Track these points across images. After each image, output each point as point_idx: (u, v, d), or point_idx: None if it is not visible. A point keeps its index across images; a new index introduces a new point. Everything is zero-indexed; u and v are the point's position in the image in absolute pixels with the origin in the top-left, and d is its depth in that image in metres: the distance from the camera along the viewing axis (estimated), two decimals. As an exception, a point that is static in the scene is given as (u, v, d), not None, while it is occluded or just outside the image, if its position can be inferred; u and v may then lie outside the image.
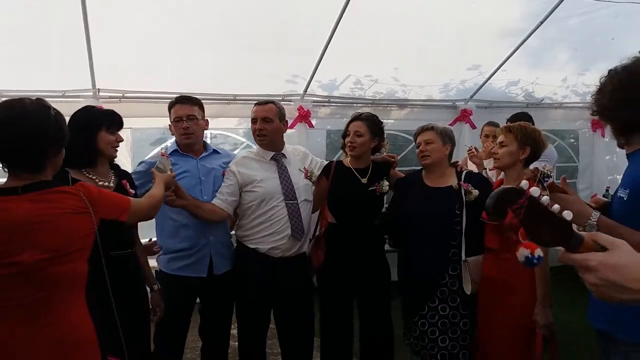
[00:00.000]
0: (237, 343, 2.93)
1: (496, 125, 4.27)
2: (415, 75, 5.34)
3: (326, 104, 5.44)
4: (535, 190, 0.98)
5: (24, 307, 1.64)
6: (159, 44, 4.22)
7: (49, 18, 3.72)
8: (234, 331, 2.94)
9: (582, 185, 6.48)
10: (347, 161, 3.11)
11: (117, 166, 2.52)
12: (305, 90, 5.18)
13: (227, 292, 2.87)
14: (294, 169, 2.90)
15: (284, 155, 2.90)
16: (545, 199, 0.99)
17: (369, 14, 4.34)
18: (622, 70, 1.79)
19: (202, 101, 3.55)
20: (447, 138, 2.92)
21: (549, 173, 1.76)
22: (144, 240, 2.73)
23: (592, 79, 1.94)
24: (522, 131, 2.62)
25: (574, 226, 1.00)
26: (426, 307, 2.79)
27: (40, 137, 1.68)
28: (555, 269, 2.49)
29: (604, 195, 5.38)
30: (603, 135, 6.20)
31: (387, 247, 3.22)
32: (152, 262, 2.76)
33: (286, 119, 2.97)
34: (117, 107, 2.61)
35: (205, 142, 2.98)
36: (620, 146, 1.91)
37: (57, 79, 4.19)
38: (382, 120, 3.17)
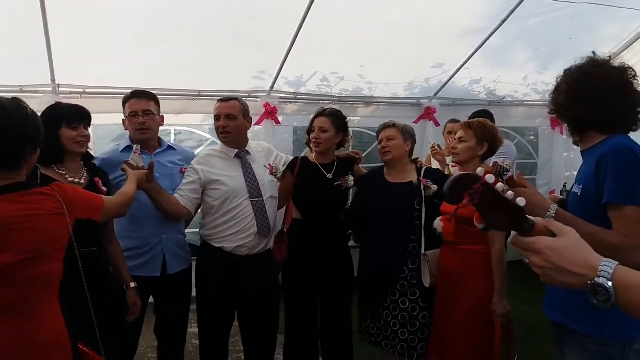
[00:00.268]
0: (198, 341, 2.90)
1: (459, 122, 4.37)
2: (380, 73, 5.39)
3: (293, 100, 5.44)
4: (490, 177, 1.02)
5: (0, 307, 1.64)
6: (122, 38, 4.13)
7: (6, 10, 3.60)
8: (196, 329, 2.91)
9: (541, 181, 6.66)
10: (312, 157, 3.12)
11: (92, 163, 2.48)
12: (272, 87, 5.17)
13: (182, 292, 2.83)
14: (258, 166, 2.89)
15: (248, 153, 2.89)
16: (499, 185, 1.03)
17: (335, 10, 4.36)
18: (576, 70, 1.85)
19: (167, 97, 3.55)
20: (408, 135, 2.99)
21: (507, 167, 1.82)
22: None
23: (551, 78, 2.00)
24: (481, 128, 2.69)
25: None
26: (388, 300, 2.84)
27: (18, 137, 1.68)
28: (513, 263, 2.56)
29: (561, 192, 5.58)
30: (561, 133, 6.34)
31: (351, 243, 3.26)
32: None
33: (250, 115, 2.95)
34: (77, 103, 2.55)
35: (160, 138, 2.90)
36: (576, 143, 1.98)
37: (15, 74, 4.07)
38: (346, 116, 3.19)
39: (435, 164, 4.10)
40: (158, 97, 2.88)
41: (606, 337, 1.72)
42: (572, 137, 1.96)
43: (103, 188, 2.36)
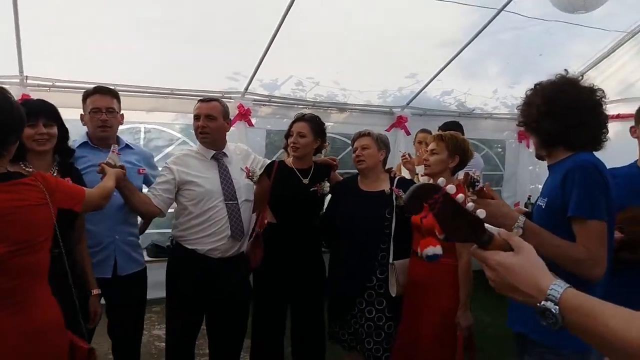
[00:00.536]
0: (163, 343, 2.86)
1: (429, 132, 4.44)
2: (355, 80, 5.43)
3: (267, 103, 5.43)
4: (451, 187, 1.02)
5: None
6: (94, 32, 4.05)
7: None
8: (159, 332, 2.86)
9: (506, 193, 6.81)
10: (289, 161, 3.12)
11: (67, 161, 2.40)
12: (246, 89, 5.14)
13: (135, 295, 2.78)
14: (235, 168, 2.87)
15: (225, 155, 2.87)
16: (460, 196, 1.03)
17: (313, 16, 4.37)
18: (549, 86, 1.89)
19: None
20: (382, 144, 3.01)
21: (478, 178, 1.85)
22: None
23: (520, 92, 2.04)
24: (453, 141, 2.74)
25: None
26: (356, 308, 2.85)
27: (3, 127, 1.69)
28: (479, 272, 2.60)
29: (526, 204, 5.73)
30: (528, 146, 6.51)
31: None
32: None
33: (230, 117, 2.94)
34: (46, 96, 2.50)
35: (118, 137, 2.84)
36: (539, 158, 2.03)
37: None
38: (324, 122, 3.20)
39: (405, 173, 4.14)
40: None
41: (564, 347, 1.75)
42: (539, 151, 2.00)
43: None
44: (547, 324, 0.94)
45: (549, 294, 0.94)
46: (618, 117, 4.41)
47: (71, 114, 4.31)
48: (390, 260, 2.82)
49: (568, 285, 0.95)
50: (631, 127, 2.47)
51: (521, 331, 1.92)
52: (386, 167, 3.14)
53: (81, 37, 4.04)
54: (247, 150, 3.11)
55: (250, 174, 2.91)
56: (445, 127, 4.14)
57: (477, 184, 1.80)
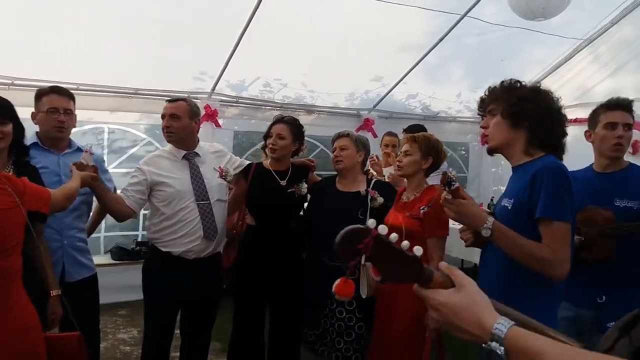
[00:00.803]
0: (136, 347, 2.81)
1: (395, 135, 4.50)
2: (323, 83, 5.46)
3: (234, 104, 5.40)
4: (382, 228, 0.97)
5: None
6: (56, 30, 3.95)
7: None
8: (125, 336, 2.81)
9: (470, 194, 6.88)
10: (266, 163, 3.11)
11: (23, 160, 2.32)
12: (213, 89, 5.10)
13: (87, 302, 2.66)
14: (207, 168, 2.85)
15: (197, 154, 2.85)
16: (393, 236, 0.97)
17: (280, 17, 4.37)
18: (539, 89, 1.92)
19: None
20: (361, 146, 3.04)
21: (454, 178, 1.88)
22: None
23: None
24: (426, 142, 2.75)
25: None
26: (327, 308, 2.86)
27: None
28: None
29: (489, 205, 5.86)
30: (489, 149, 6.68)
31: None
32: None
33: (199, 117, 2.91)
34: (6, 95, 2.39)
35: (70, 139, 2.76)
36: (491, 153, 2.04)
37: None
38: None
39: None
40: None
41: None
42: (509, 149, 1.95)
43: None
44: None
45: (494, 333, 0.91)
46: (576, 121, 4.56)
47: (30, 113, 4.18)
48: (362, 262, 2.82)
49: (513, 322, 0.92)
50: (586, 132, 2.57)
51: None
52: (364, 170, 3.15)
53: (42, 35, 3.94)
54: (222, 149, 3.09)
55: (224, 173, 2.88)
56: (410, 129, 4.19)
57: (453, 183, 1.84)
